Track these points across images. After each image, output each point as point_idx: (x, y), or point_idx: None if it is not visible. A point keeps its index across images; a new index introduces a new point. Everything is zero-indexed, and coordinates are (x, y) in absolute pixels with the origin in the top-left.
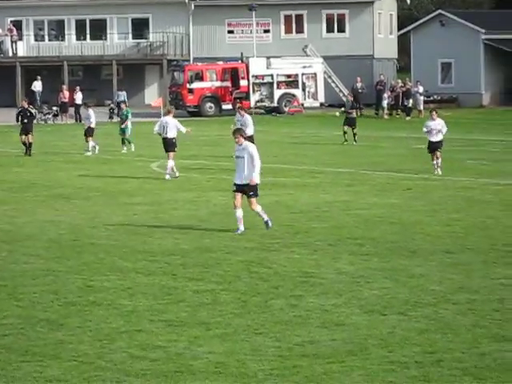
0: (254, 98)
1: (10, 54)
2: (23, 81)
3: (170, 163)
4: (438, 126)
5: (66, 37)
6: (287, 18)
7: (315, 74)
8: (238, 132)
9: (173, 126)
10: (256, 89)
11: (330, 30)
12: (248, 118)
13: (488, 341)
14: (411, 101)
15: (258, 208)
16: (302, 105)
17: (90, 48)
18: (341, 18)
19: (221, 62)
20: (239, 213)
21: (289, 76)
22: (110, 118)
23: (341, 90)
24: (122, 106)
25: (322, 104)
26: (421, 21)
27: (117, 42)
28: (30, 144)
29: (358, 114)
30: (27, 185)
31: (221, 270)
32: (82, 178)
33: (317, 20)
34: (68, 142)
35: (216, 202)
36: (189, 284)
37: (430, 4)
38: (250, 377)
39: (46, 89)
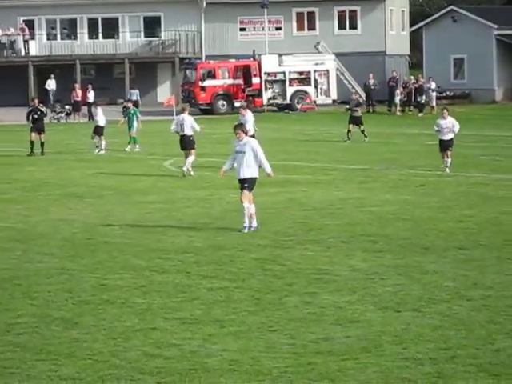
0: (266, 95)
1: (23, 53)
2: (36, 80)
3: (191, 158)
4: (448, 125)
5: (79, 35)
6: (299, 15)
7: (327, 70)
8: (240, 127)
9: (189, 124)
10: (268, 86)
11: (341, 26)
12: (248, 118)
13: (502, 337)
14: (424, 97)
15: (246, 204)
16: (315, 102)
17: (103, 47)
18: (353, 15)
19: (233, 60)
20: (252, 209)
21: (301, 73)
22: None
23: (353, 87)
24: (129, 104)
25: (334, 101)
26: (433, 17)
27: (129, 40)
28: (43, 143)
29: (371, 110)
30: (40, 184)
31: (234, 268)
32: (95, 177)
33: (329, 17)
34: (81, 141)
35: (229, 199)
36: (203, 282)
37: (441, 0)
38: (265, 374)
39: (58, 88)
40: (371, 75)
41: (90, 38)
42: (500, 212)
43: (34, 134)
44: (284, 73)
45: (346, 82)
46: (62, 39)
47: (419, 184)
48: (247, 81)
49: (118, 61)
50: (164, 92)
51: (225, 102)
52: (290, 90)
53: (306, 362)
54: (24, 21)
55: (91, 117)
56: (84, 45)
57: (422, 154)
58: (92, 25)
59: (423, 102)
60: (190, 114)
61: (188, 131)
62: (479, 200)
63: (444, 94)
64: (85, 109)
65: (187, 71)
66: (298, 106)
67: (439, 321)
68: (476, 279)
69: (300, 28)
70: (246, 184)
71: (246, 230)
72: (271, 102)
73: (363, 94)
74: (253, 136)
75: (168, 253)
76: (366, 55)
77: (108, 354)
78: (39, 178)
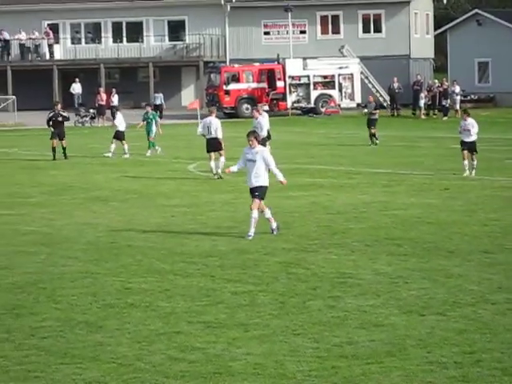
0: (290, 99)
1: (47, 57)
2: (60, 84)
3: (223, 159)
4: (469, 126)
5: (103, 39)
6: (323, 19)
7: (352, 74)
8: (253, 134)
9: (216, 126)
10: (292, 90)
11: (366, 30)
12: (261, 121)
13: None
14: (448, 101)
15: (255, 214)
16: (339, 105)
17: (127, 50)
18: (377, 19)
19: (257, 64)
20: (267, 213)
21: (325, 77)
22: None
23: (377, 91)
24: (148, 108)
25: (358, 104)
26: (457, 20)
27: (153, 44)
28: (65, 148)
29: (395, 114)
30: (64, 187)
31: (259, 272)
32: (119, 180)
33: (353, 20)
34: (104, 145)
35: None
36: (227, 285)
37: (466, 3)
38: (289, 378)
39: (82, 91)
40: (395, 79)
41: (115, 41)
42: None
43: (55, 141)
44: (308, 76)
45: (370, 85)
46: (86, 43)
47: (444, 187)
48: (271, 84)
49: (143, 65)
50: (188, 96)
51: (249, 106)
52: (314, 94)
53: (330, 365)
54: (48, 25)
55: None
56: (108, 49)
57: (447, 157)
58: (116, 29)
59: (448, 105)
60: (216, 117)
61: (215, 134)
62: (504, 204)
63: (468, 98)
64: (109, 113)
65: (211, 75)
66: (322, 110)
67: (464, 324)
68: (501, 283)
69: (324, 32)
70: (257, 193)
71: (250, 238)
72: (295, 105)
73: (387, 98)
74: (267, 139)
75: (192, 256)
76: (390, 59)
77: (132, 358)
78: (64, 181)
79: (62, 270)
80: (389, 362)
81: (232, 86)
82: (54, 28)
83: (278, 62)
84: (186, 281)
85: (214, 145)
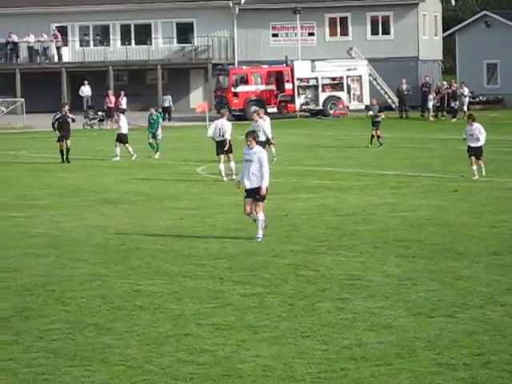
0: (299, 101)
1: (56, 59)
2: (69, 86)
3: (233, 165)
4: (475, 131)
5: (111, 42)
6: (332, 21)
7: (360, 76)
8: (251, 135)
9: (228, 129)
10: (301, 92)
11: (374, 32)
12: (261, 124)
13: None
14: (457, 102)
15: (261, 216)
16: (347, 107)
17: (135, 53)
18: (385, 20)
19: (265, 66)
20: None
21: (334, 79)
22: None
23: (386, 92)
24: (152, 110)
25: (367, 106)
26: (466, 22)
27: (162, 46)
28: (68, 151)
29: (404, 115)
30: (73, 190)
31: (267, 274)
32: (128, 183)
33: (361, 22)
34: (113, 147)
35: None
36: (236, 287)
37: (474, 5)
38: (298, 380)
39: (91, 94)
40: (404, 80)
41: (123, 44)
42: None
43: (62, 143)
44: (317, 78)
45: (378, 87)
46: (94, 45)
47: (452, 189)
48: (280, 86)
49: (151, 67)
50: (197, 98)
51: (257, 108)
52: (322, 96)
53: (339, 367)
54: (57, 27)
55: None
56: (117, 51)
57: (455, 159)
58: (125, 31)
59: (456, 107)
60: (228, 119)
61: (227, 136)
62: None
63: (477, 100)
64: (117, 115)
65: (220, 77)
66: (331, 112)
67: (473, 326)
68: (509, 284)
69: (333, 33)
70: (258, 196)
71: (260, 240)
72: (304, 107)
73: (396, 100)
74: (267, 141)
75: (201, 259)
76: (398, 60)
77: (141, 360)
78: (72, 184)
79: (71, 272)
80: (398, 364)
81: (240, 88)
82: (63, 30)
83: (287, 64)
84: (194, 283)
85: (223, 147)
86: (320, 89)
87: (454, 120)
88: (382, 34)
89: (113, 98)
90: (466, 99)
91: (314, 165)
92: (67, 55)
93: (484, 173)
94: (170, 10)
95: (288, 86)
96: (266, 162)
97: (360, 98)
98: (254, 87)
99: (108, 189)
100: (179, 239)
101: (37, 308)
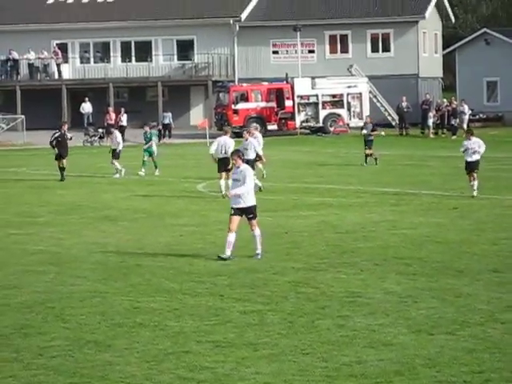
0: (299, 118)
1: (56, 76)
2: (69, 103)
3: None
4: (474, 146)
5: (112, 59)
6: (332, 38)
7: (360, 93)
8: (236, 154)
9: (231, 146)
10: (301, 109)
11: (374, 49)
12: (252, 142)
13: None
14: (457, 120)
15: (257, 232)
16: (348, 125)
17: (136, 70)
18: (385, 38)
19: (266, 83)
20: (232, 237)
21: (334, 96)
22: (162, 137)
23: (386, 110)
24: (146, 128)
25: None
26: (466, 39)
27: (162, 63)
28: (63, 168)
29: (404, 133)
30: (73, 207)
31: (267, 291)
32: (128, 200)
33: (361, 40)
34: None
35: (261, 222)
36: (235, 305)
37: (474, 23)
38: None
39: (92, 111)
40: (404, 98)
41: (123, 61)
42: None
43: (59, 162)
44: (317, 96)
45: (378, 104)
46: (95, 62)
47: (452, 207)
48: (280, 104)
49: (151, 84)
50: (197, 115)
51: (258, 125)
52: (322, 113)
53: None
54: (57, 44)
55: (123, 140)
56: (117, 68)
57: (455, 176)
58: (125, 48)
59: (456, 124)
60: (230, 137)
61: (228, 153)
62: None
63: (477, 117)
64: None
65: (220, 94)
66: (331, 129)
67: (473, 344)
68: (510, 302)
69: (333, 51)
70: (251, 215)
71: (259, 257)
72: (304, 124)
73: (396, 117)
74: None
75: (201, 276)
76: (398, 78)
77: (141, 377)
78: (72, 201)
79: (71, 289)
80: (398, 382)
81: (241, 106)
82: (63, 47)
83: (287, 82)
84: (194, 300)
85: (226, 164)
86: (320, 106)
87: (454, 137)
88: (383, 51)
89: (113, 115)
90: (466, 117)
91: (314, 182)
92: (67, 72)
93: (476, 193)
94: (171, 27)
95: (288, 103)
96: (250, 178)
97: (360, 116)
98: (255, 104)
99: (108, 206)
100: (179, 256)
101: (37, 325)
